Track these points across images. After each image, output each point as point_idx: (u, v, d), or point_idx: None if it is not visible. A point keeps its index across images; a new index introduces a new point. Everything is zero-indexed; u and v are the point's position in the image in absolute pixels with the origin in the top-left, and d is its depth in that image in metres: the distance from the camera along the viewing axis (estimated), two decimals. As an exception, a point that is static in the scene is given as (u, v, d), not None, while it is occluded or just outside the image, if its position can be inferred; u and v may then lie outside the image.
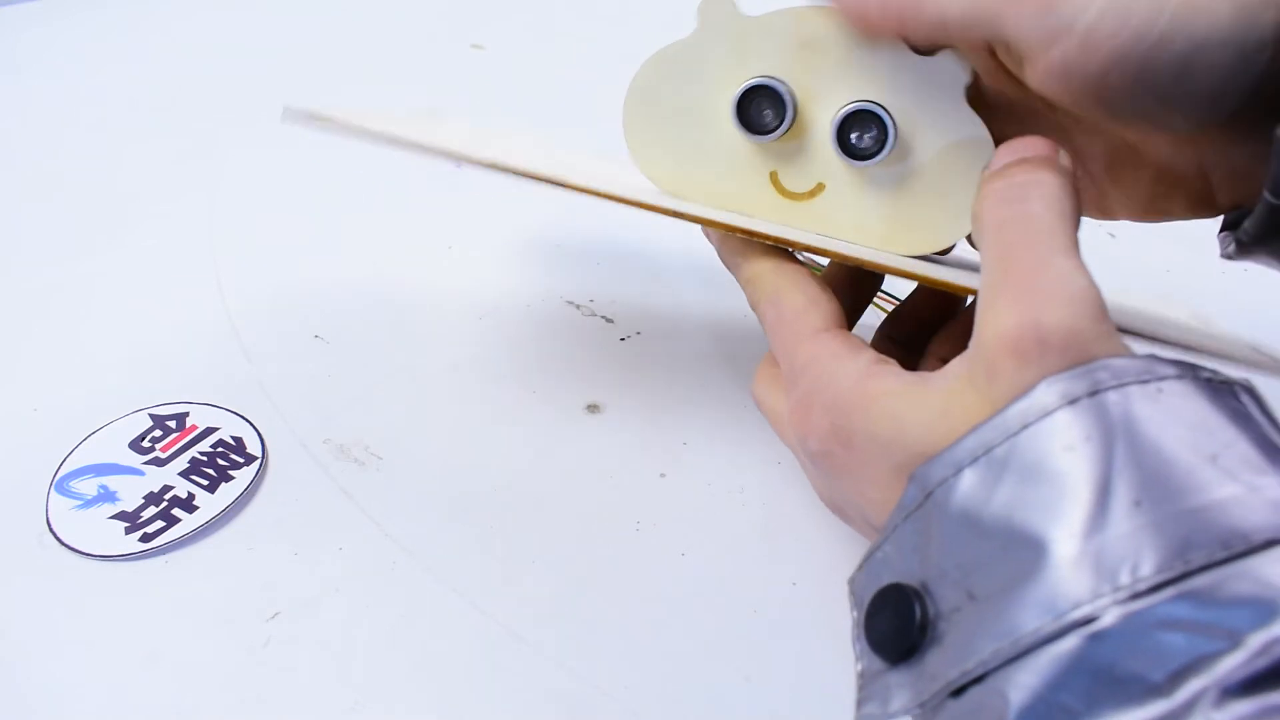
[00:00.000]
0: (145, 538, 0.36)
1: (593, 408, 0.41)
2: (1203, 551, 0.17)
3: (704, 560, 0.35)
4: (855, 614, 0.22)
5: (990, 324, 0.22)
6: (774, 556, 0.36)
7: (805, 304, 0.28)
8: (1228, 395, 0.20)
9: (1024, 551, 0.19)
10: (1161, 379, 0.20)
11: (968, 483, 0.20)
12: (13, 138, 0.65)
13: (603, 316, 0.46)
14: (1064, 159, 0.25)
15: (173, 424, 0.41)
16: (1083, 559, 0.18)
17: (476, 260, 0.50)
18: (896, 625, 0.20)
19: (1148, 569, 0.17)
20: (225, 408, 0.42)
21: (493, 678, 0.31)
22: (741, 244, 0.30)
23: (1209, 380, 0.20)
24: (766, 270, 0.30)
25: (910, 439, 0.23)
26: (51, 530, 0.36)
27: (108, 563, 0.35)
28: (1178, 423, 0.19)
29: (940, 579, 0.20)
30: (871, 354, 0.26)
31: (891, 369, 0.25)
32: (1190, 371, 0.20)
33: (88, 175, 0.62)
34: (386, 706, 0.30)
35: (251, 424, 0.41)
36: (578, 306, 0.46)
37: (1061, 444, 0.19)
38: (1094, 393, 0.19)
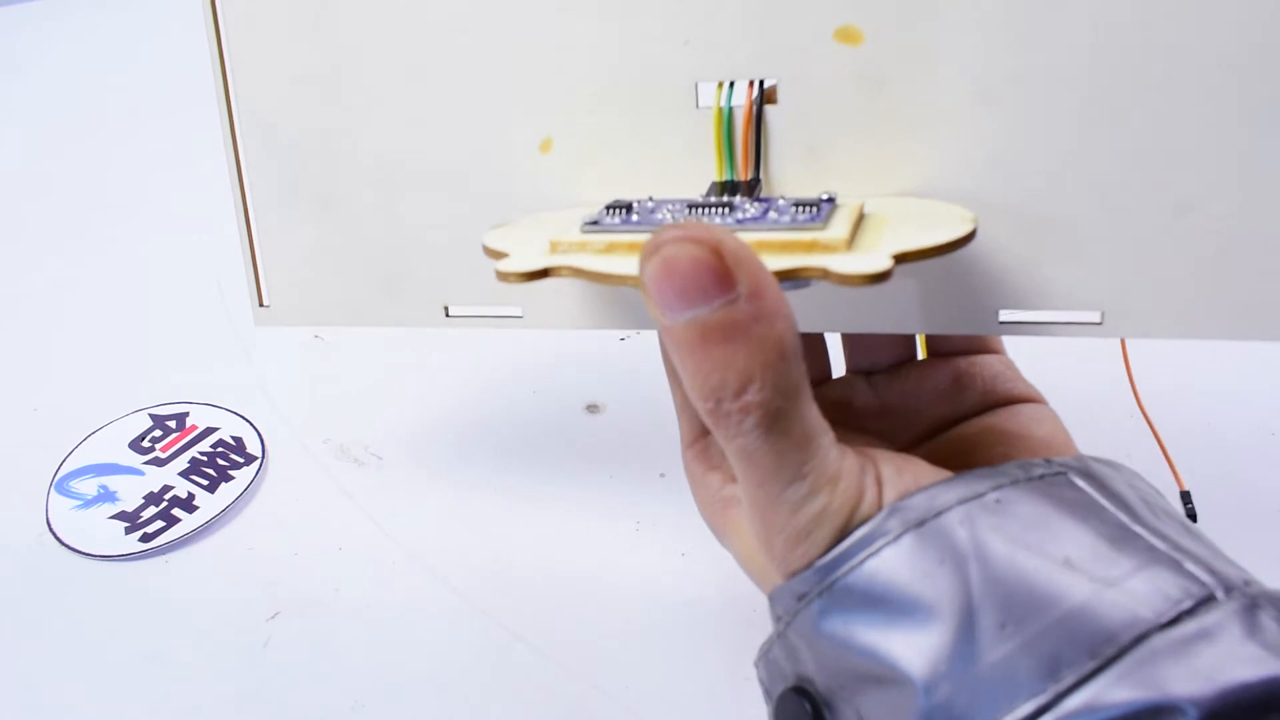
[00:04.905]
0: (145, 538, 0.36)
1: (593, 408, 0.41)
2: (1074, 669, 0.17)
3: (704, 560, 0.35)
4: (768, 706, 0.22)
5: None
6: (774, 556, 0.36)
7: (678, 409, 0.27)
8: (1064, 487, 0.20)
9: (900, 688, 0.18)
10: (998, 488, 0.20)
11: (821, 609, 0.20)
12: (12, 137, 0.65)
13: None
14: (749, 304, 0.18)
15: (173, 424, 0.41)
16: (957, 696, 0.18)
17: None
18: None
19: (1023, 698, 0.17)
20: (225, 408, 0.42)
21: (493, 677, 0.31)
22: None
23: (1043, 477, 0.20)
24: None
25: (757, 572, 0.24)
26: (51, 530, 0.36)
27: (108, 563, 0.35)
28: (1025, 530, 0.19)
29: (831, 694, 0.20)
30: (720, 475, 0.26)
31: (733, 495, 0.25)
32: (1022, 473, 0.20)
33: (87, 175, 0.62)
34: (386, 706, 0.30)
35: (251, 424, 0.41)
36: (578, 306, 0.46)
37: (918, 570, 0.19)
38: (939, 514, 0.19)
